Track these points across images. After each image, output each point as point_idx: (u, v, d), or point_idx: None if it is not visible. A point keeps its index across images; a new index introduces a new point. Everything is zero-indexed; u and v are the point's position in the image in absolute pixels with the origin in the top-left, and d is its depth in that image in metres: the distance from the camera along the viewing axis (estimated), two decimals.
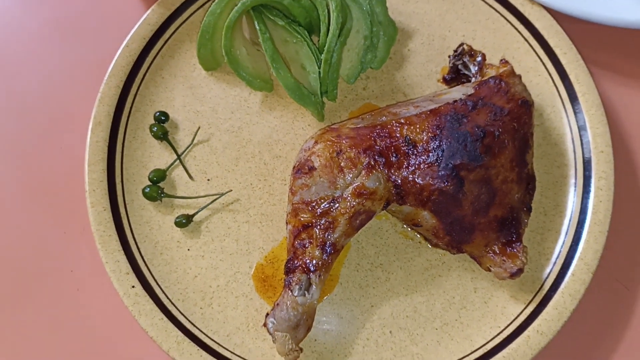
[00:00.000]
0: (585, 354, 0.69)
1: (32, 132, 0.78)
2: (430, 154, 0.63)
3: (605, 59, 0.81)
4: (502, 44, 0.78)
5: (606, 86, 0.79)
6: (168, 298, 0.67)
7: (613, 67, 0.80)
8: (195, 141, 0.73)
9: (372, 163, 0.64)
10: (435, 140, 0.64)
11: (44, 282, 0.71)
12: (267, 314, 0.62)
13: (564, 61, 0.75)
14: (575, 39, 0.76)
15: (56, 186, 0.75)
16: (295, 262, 0.63)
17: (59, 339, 0.69)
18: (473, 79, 0.73)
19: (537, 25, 0.76)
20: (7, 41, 0.82)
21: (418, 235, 0.70)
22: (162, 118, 0.73)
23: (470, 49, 0.73)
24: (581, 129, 0.72)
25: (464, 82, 0.74)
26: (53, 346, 0.69)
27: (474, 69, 0.73)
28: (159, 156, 0.73)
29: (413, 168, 0.64)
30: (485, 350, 0.65)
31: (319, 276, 0.62)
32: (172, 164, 0.72)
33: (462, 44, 0.73)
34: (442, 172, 0.63)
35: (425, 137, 0.64)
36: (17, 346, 0.69)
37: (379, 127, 0.66)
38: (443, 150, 0.63)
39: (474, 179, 0.63)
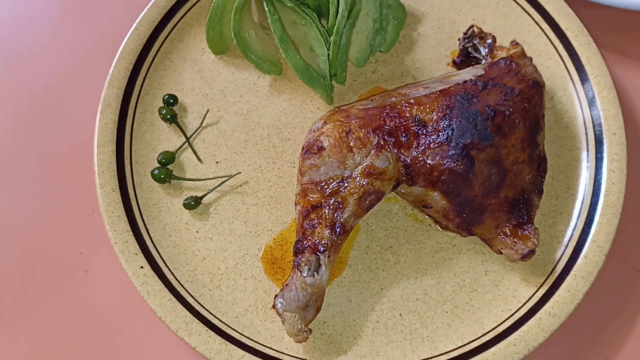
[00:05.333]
0: (597, 336, 0.68)
1: (41, 114, 0.78)
2: (440, 133, 0.63)
3: (615, 42, 0.80)
4: (512, 28, 0.77)
5: (617, 69, 0.78)
6: (177, 279, 0.66)
7: (624, 50, 0.79)
8: (204, 124, 0.73)
9: (382, 143, 0.63)
10: (445, 119, 0.63)
11: (52, 263, 0.71)
12: (276, 296, 0.62)
13: (575, 44, 0.74)
14: (585, 22, 0.75)
15: (65, 169, 0.75)
16: (305, 242, 0.62)
17: (67, 321, 0.69)
18: (483, 61, 0.72)
19: (548, 8, 0.76)
20: (17, 22, 0.82)
21: (428, 218, 0.70)
22: (171, 101, 0.73)
23: (481, 31, 0.72)
24: (593, 111, 0.72)
25: (474, 65, 0.73)
26: (61, 328, 0.69)
27: (484, 51, 0.72)
28: (168, 139, 0.73)
29: (423, 148, 0.63)
30: (497, 333, 0.64)
31: (328, 257, 0.62)
32: (181, 146, 0.72)
33: (472, 26, 0.72)
34: (452, 152, 0.62)
35: (435, 117, 0.64)
36: (25, 328, 0.69)
37: (388, 107, 0.65)
38: (453, 130, 0.63)
39: (484, 159, 0.62)
